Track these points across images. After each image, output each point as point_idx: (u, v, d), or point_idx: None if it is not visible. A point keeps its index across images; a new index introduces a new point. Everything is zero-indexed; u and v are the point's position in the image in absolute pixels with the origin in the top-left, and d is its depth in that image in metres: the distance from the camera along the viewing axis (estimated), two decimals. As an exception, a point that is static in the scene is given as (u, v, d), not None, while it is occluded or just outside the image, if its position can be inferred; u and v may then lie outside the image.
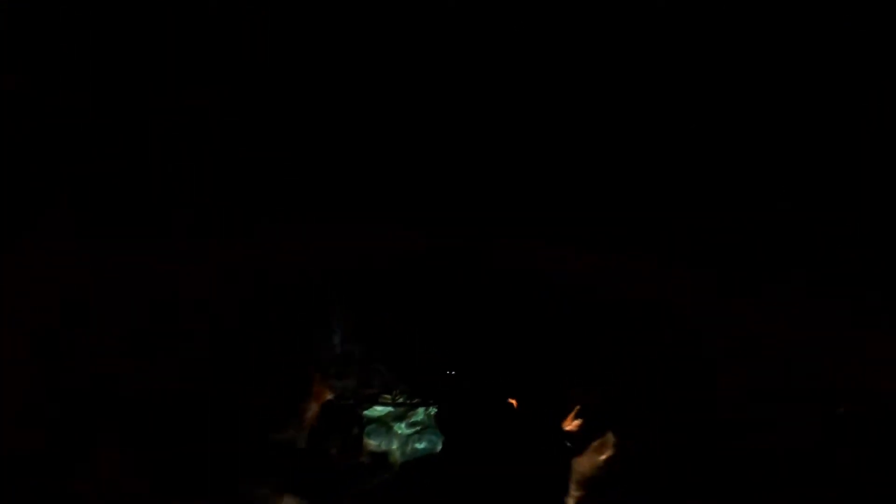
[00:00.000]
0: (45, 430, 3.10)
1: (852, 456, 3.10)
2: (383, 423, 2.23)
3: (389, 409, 2.29)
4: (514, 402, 2.40)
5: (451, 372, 2.56)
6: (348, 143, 3.46)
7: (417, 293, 3.38)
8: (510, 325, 3.33)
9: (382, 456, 2.15)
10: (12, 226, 3.27)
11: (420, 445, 2.20)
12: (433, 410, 2.28)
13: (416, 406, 2.29)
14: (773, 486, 3.09)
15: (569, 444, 2.33)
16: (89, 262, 3.29)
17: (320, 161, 3.45)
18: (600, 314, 3.34)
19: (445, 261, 3.40)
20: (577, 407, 2.43)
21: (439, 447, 2.16)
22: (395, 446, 2.18)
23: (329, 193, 3.45)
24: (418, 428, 2.24)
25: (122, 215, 3.37)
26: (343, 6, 3.36)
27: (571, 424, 2.38)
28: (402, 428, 2.24)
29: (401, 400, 2.31)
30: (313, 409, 2.29)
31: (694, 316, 3.33)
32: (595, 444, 2.34)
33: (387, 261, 3.40)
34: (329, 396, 2.27)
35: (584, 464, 2.30)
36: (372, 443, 2.19)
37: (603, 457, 2.33)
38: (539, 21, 3.36)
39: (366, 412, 2.24)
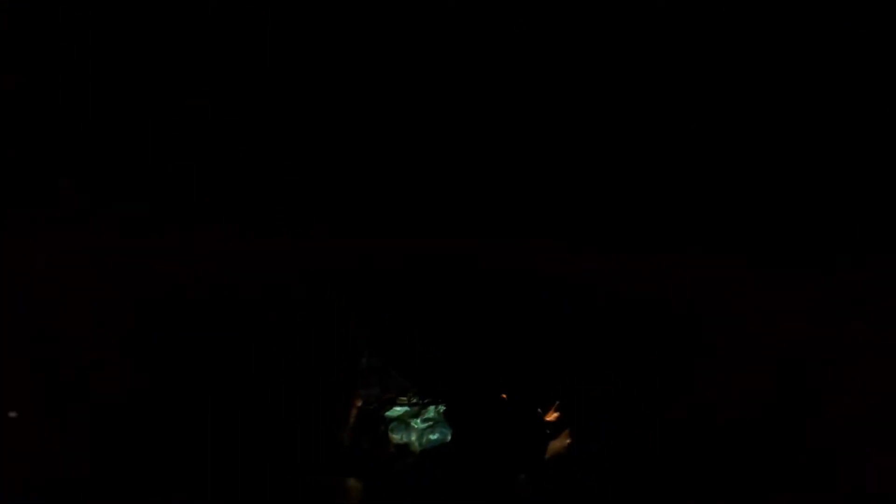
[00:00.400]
0: (48, 429, 3.10)
1: (854, 454, 3.11)
2: (402, 421, 2.84)
3: (406, 408, 2.87)
4: (504, 396, 2.93)
5: (452, 373, 3.02)
6: (348, 143, 3.45)
7: (417, 293, 3.38)
8: (510, 326, 3.33)
9: (405, 446, 2.79)
10: (12, 225, 3.27)
11: (433, 436, 2.81)
12: (441, 408, 2.86)
13: (427, 405, 2.87)
14: (773, 485, 3.10)
15: (548, 431, 2.91)
16: (89, 262, 3.28)
17: (320, 161, 3.44)
18: (600, 314, 3.34)
19: (445, 261, 3.40)
20: (557, 402, 2.94)
21: (448, 437, 2.80)
22: (413, 438, 2.80)
23: (329, 194, 3.44)
24: (430, 423, 2.83)
25: (121, 215, 3.36)
26: (343, 6, 3.36)
27: (552, 416, 2.91)
28: (417, 423, 2.83)
29: (414, 401, 2.89)
30: (353, 414, 2.90)
31: (694, 316, 3.33)
32: (564, 432, 2.92)
33: (387, 261, 3.39)
34: (360, 403, 2.87)
35: (555, 445, 2.90)
36: (395, 437, 2.81)
37: (567, 441, 2.92)
38: (539, 21, 3.36)
39: (388, 413, 2.85)
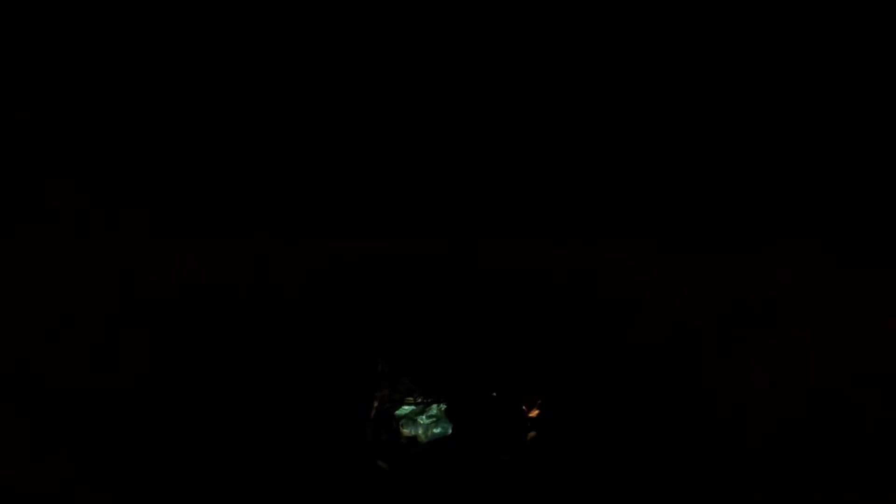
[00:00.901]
0: (52, 428, 3.10)
1: (854, 452, 3.12)
2: (410, 418, 3.26)
3: (413, 407, 3.28)
4: (494, 394, 3.31)
5: (452, 376, 3.35)
6: (348, 143, 3.45)
7: (418, 294, 3.40)
8: (508, 327, 3.35)
9: (413, 439, 3.23)
10: (12, 225, 3.27)
11: (437, 430, 3.24)
12: (443, 406, 3.27)
13: (430, 404, 3.29)
14: (770, 486, 3.11)
15: (529, 424, 3.27)
16: (89, 262, 3.28)
17: (320, 161, 3.45)
18: (600, 314, 3.35)
19: (443, 261, 3.41)
20: (539, 401, 3.27)
21: (450, 431, 3.24)
22: (420, 432, 3.24)
23: (329, 193, 3.45)
24: (434, 419, 3.26)
25: (121, 215, 3.36)
26: (342, 6, 3.36)
27: (533, 413, 3.26)
28: (423, 420, 3.26)
29: (419, 400, 3.29)
30: (372, 413, 3.27)
31: (694, 316, 3.34)
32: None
33: (386, 262, 3.40)
34: (376, 404, 3.27)
35: (530, 435, 3.25)
36: (405, 431, 3.24)
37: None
38: (537, 21, 3.37)
39: (397, 412, 3.27)
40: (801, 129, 3.33)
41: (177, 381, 3.23)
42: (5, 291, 3.25)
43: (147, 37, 3.33)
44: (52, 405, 3.16)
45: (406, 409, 3.29)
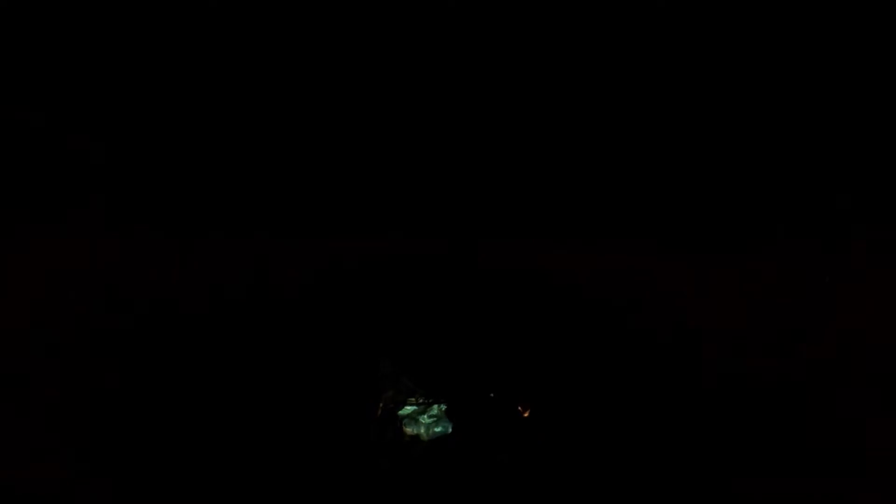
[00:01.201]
0: (52, 428, 3.10)
1: (851, 448, 3.12)
2: (413, 418, 3.41)
3: (415, 407, 3.43)
4: (492, 395, 3.42)
5: (452, 377, 3.45)
6: (348, 143, 3.45)
7: (416, 294, 3.40)
8: (507, 328, 3.36)
9: (415, 437, 3.38)
10: (14, 225, 3.27)
11: (438, 429, 3.39)
12: (443, 406, 3.41)
13: (431, 404, 3.44)
14: (769, 486, 3.11)
15: (526, 424, 3.37)
16: (88, 263, 3.28)
17: (320, 160, 3.44)
18: (599, 314, 3.35)
19: (443, 261, 3.41)
20: (535, 401, 3.36)
21: (450, 430, 3.39)
22: (422, 431, 3.39)
23: (329, 193, 3.44)
24: (435, 418, 3.42)
25: (120, 215, 3.36)
26: (342, 6, 3.36)
27: (526, 412, 3.37)
28: (425, 419, 3.41)
29: (421, 401, 3.44)
30: (378, 414, 3.40)
31: (694, 316, 3.34)
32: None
33: (386, 262, 3.40)
34: (381, 404, 3.41)
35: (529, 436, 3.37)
36: (408, 430, 3.39)
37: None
38: (534, 18, 3.37)
39: (400, 412, 3.42)
40: (800, 129, 3.34)
41: (177, 381, 3.23)
42: (5, 291, 3.25)
43: (147, 37, 3.33)
44: (53, 405, 3.16)
45: (408, 409, 3.42)
